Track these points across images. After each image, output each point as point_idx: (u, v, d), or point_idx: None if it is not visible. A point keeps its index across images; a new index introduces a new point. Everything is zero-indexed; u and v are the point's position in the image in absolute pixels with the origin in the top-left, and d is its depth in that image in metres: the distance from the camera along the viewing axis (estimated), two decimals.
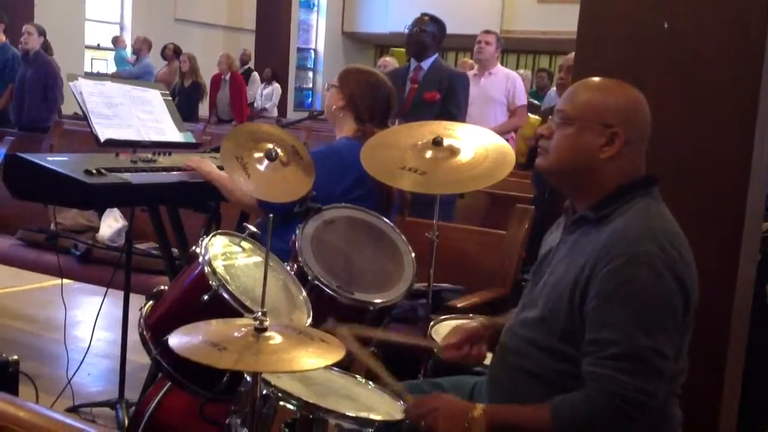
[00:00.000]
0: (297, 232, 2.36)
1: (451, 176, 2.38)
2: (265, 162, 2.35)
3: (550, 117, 1.93)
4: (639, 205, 1.78)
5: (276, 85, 13.06)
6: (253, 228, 2.29)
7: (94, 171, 2.58)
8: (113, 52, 13.09)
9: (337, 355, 1.61)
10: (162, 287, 2.25)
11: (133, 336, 2.43)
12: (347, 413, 1.77)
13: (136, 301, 3.02)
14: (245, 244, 2.27)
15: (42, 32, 7.24)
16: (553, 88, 7.96)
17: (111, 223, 4.09)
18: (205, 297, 2.00)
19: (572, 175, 1.85)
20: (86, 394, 3.51)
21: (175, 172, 2.88)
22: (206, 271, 2.05)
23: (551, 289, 1.82)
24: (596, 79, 1.91)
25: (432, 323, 2.45)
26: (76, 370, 3.33)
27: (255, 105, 12.38)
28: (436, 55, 4.70)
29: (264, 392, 1.76)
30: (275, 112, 12.86)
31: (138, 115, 3.09)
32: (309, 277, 2.26)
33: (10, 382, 2.12)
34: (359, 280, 2.34)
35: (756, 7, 2.21)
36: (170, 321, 2.03)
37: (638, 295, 1.67)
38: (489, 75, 5.75)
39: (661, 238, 1.71)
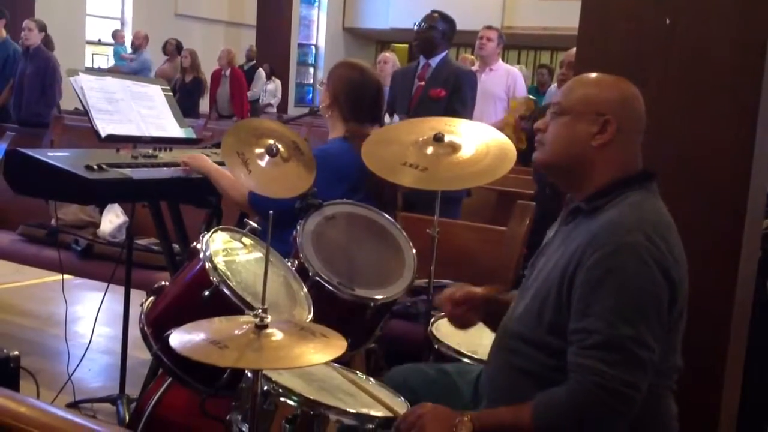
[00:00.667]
0: (298, 228, 2.36)
1: (452, 172, 2.38)
2: (266, 158, 2.35)
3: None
4: (633, 198, 1.79)
5: (277, 82, 13.05)
6: (253, 224, 2.29)
7: (95, 166, 2.58)
8: (113, 47, 13.09)
9: (338, 351, 1.61)
10: (163, 283, 2.25)
11: (134, 332, 2.43)
12: (348, 409, 1.77)
13: (137, 296, 3.02)
14: (246, 240, 2.27)
15: (43, 28, 7.24)
16: (554, 84, 7.94)
17: (112, 219, 4.09)
18: (206, 293, 2.00)
19: (567, 165, 1.86)
20: (87, 390, 3.51)
21: (175, 168, 2.88)
22: (207, 266, 2.05)
23: (542, 280, 1.82)
24: (593, 74, 1.94)
25: (432, 319, 2.45)
26: (77, 366, 3.33)
27: (260, 101, 12.36)
28: (446, 52, 4.68)
29: (265, 388, 1.76)
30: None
31: (139, 111, 3.09)
32: (310, 273, 2.26)
33: (11, 377, 2.12)
34: (360, 276, 2.34)
35: (758, 3, 2.20)
36: (171, 317, 2.04)
37: (622, 284, 1.67)
38: (490, 71, 5.75)
39: (651, 230, 1.71)
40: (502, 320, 1.96)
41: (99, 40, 13.87)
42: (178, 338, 1.59)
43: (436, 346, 2.29)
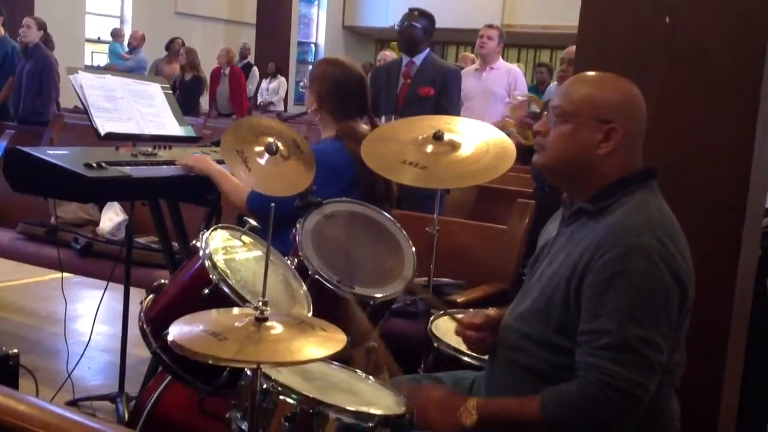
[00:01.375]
0: (297, 226, 2.36)
1: (452, 171, 2.38)
2: (266, 156, 2.35)
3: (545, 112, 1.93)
4: (638, 198, 1.78)
5: (281, 79, 13.05)
6: (253, 222, 2.29)
7: (95, 164, 2.58)
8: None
9: (338, 345, 1.61)
10: (162, 281, 2.25)
11: (134, 330, 2.43)
12: (347, 407, 1.77)
13: (137, 294, 3.02)
14: (246, 238, 2.27)
15: (42, 26, 7.23)
16: (554, 83, 7.95)
17: (111, 217, 4.09)
18: (206, 291, 2.00)
19: (570, 171, 1.85)
20: (86, 388, 3.51)
21: (175, 166, 2.88)
22: (207, 265, 2.04)
23: (548, 280, 1.82)
24: (592, 73, 1.91)
25: (432, 318, 2.45)
26: (76, 364, 3.33)
27: (260, 99, 12.35)
28: (428, 50, 4.70)
29: (264, 386, 1.76)
30: (282, 106, 12.85)
31: (138, 109, 3.09)
32: (309, 272, 2.26)
33: (11, 375, 2.12)
34: (360, 275, 2.34)
35: (758, 2, 2.20)
36: (171, 315, 2.02)
37: (633, 285, 1.67)
38: (490, 69, 5.75)
39: (660, 231, 1.71)
40: (503, 319, 1.96)
41: (98, 38, 13.87)
42: (177, 330, 1.59)
43: (435, 345, 2.29)
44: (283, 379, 1.79)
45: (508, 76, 5.75)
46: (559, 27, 13.02)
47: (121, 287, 3.26)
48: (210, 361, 1.49)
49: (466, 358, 2.22)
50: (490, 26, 5.91)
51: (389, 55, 6.81)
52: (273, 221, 1.68)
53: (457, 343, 2.27)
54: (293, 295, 2.17)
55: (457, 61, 9.61)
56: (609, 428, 1.69)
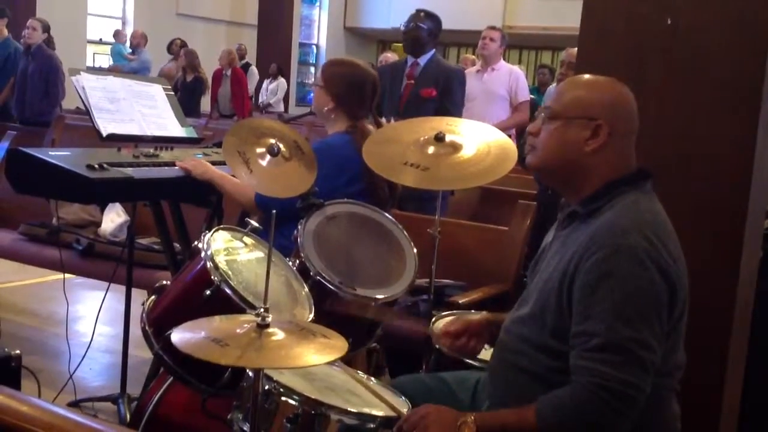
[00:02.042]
0: (299, 227, 2.36)
1: (453, 172, 2.38)
2: (268, 157, 2.35)
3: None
4: (628, 199, 1.78)
5: (282, 80, 13.05)
6: (255, 223, 2.30)
7: (96, 166, 2.58)
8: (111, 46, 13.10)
9: (339, 351, 1.61)
10: (164, 282, 2.25)
11: (135, 331, 2.43)
12: (349, 409, 1.77)
13: (138, 295, 3.03)
14: (247, 240, 2.27)
15: (46, 28, 7.23)
16: (553, 85, 7.95)
17: (113, 218, 4.09)
18: (208, 292, 2.01)
19: (560, 170, 1.86)
20: (88, 389, 3.51)
21: (177, 167, 2.88)
22: (208, 266, 2.05)
23: (543, 284, 1.83)
24: (585, 76, 1.94)
25: (433, 319, 2.45)
26: (78, 365, 3.33)
27: (260, 100, 12.34)
28: (433, 51, 4.69)
29: (266, 387, 1.76)
30: (281, 107, 12.85)
31: (140, 110, 3.09)
32: (311, 273, 2.26)
33: (13, 376, 2.12)
34: (361, 276, 2.34)
35: (759, 3, 2.20)
36: (172, 316, 2.04)
37: (621, 286, 1.67)
38: (492, 71, 5.74)
39: (648, 231, 1.71)
40: (504, 322, 1.97)
41: (100, 39, 13.88)
42: (180, 336, 1.59)
43: (437, 346, 2.29)
44: (285, 381, 1.79)
45: (510, 77, 5.74)
46: (560, 28, 13.01)
47: (122, 288, 3.27)
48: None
49: (468, 360, 2.21)
50: (493, 28, 5.90)
51: (391, 57, 6.81)
52: (277, 215, 1.68)
53: None
54: (295, 296, 2.17)
55: (458, 63, 9.61)
56: (604, 430, 1.69)
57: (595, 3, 2.44)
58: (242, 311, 1.92)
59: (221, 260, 2.10)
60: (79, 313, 4.62)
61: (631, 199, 1.78)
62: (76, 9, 12.81)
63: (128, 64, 11.36)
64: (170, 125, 3.18)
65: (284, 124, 2.57)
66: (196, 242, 2.18)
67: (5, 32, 7.61)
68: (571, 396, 1.69)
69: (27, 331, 4.39)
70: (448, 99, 4.52)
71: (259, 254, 2.24)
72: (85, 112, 3.00)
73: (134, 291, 3.25)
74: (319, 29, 18.25)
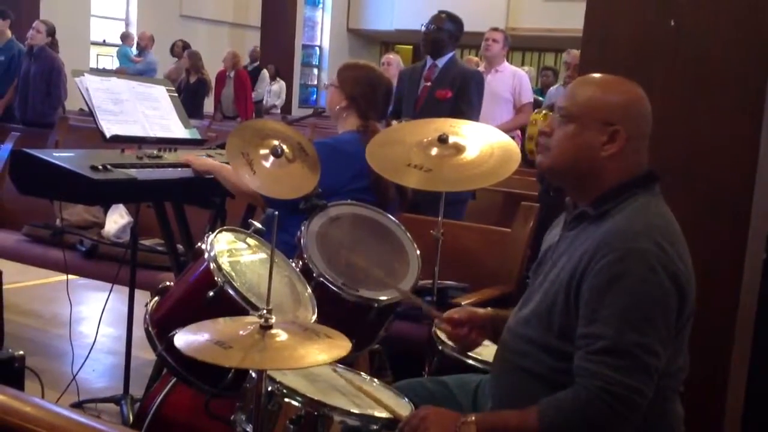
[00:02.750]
0: (302, 228, 2.37)
1: (457, 173, 2.38)
2: (271, 158, 2.35)
3: (548, 113, 1.93)
4: (639, 202, 1.78)
5: (282, 83, 13.06)
6: (258, 224, 2.30)
7: (100, 167, 2.59)
8: (117, 48, 13.11)
9: (341, 352, 1.61)
10: (168, 283, 2.25)
11: (139, 332, 2.43)
12: (352, 410, 1.77)
13: (142, 297, 3.03)
14: (250, 241, 2.28)
15: (51, 31, 7.22)
16: (555, 85, 7.96)
17: (116, 219, 4.10)
18: (211, 293, 2.01)
19: (573, 173, 1.84)
20: (91, 390, 3.52)
21: (180, 169, 2.89)
22: (212, 267, 2.05)
23: (550, 285, 1.82)
24: (597, 75, 1.91)
25: (436, 321, 2.44)
26: (81, 366, 3.34)
27: (265, 102, 12.35)
28: (453, 53, 4.68)
29: (269, 389, 1.76)
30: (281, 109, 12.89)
31: (144, 111, 3.10)
32: (314, 274, 2.26)
33: (16, 377, 2.13)
34: (364, 278, 2.34)
35: (763, 5, 2.20)
36: (176, 317, 2.04)
37: (630, 290, 1.66)
38: (495, 72, 5.74)
39: (659, 236, 1.71)
40: (507, 323, 1.96)
41: (104, 40, 13.90)
42: (183, 338, 1.60)
43: (439, 348, 2.29)
44: (288, 382, 1.79)
45: (513, 78, 5.74)
46: (563, 30, 13.02)
47: (126, 289, 3.27)
48: None
49: (470, 362, 2.21)
50: (496, 29, 5.90)
51: (393, 58, 6.81)
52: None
53: None
54: (298, 297, 2.17)
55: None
56: None
57: (598, 5, 2.44)
58: (245, 312, 1.92)
59: (224, 261, 2.10)
60: (82, 314, 4.63)
61: (642, 201, 1.78)
62: (79, 10, 12.83)
63: (134, 66, 11.37)
64: (174, 127, 3.18)
65: (288, 126, 2.57)
66: (199, 243, 2.19)
67: (8, 33, 7.62)
68: (573, 398, 1.68)
69: (30, 332, 4.39)
70: (463, 100, 4.48)
71: (263, 255, 2.24)
72: (89, 114, 3.01)
73: (137, 292, 3.26)
74: (322, 31, 18.27)
